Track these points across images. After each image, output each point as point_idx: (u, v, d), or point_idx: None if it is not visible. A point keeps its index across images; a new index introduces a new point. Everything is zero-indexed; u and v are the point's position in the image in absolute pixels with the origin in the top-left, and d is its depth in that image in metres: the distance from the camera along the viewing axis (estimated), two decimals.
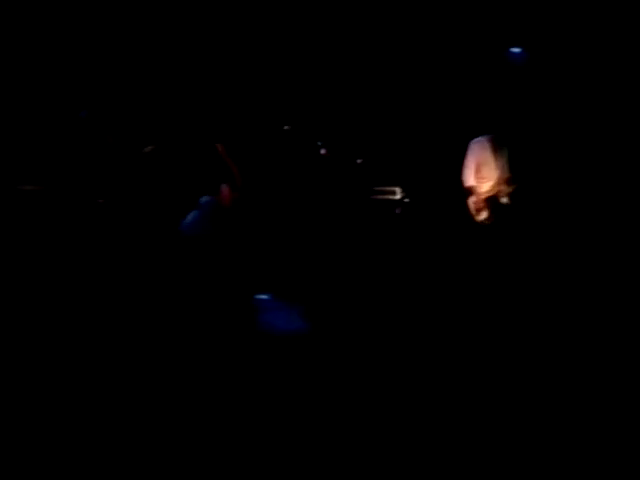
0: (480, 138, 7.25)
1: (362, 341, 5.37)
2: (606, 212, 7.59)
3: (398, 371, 4.84)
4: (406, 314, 6.05)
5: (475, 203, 7.11)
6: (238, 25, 8.67)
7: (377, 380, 4.65)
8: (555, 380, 4.79)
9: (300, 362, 4.90)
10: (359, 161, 8.51)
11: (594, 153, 8.00)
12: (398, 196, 8.45)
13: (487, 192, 7.11)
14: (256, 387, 4.47)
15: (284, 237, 7.91)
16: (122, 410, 4.13)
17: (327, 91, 9.02)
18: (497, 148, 7.21)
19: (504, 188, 7.13)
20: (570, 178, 7.92)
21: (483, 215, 7.10)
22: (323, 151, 8.50)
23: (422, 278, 6.95)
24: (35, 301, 6.06)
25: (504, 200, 7.12)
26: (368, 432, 3.95)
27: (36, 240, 7.20)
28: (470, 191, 7.15)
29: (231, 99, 8.75)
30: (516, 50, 8.81)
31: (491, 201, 7.08)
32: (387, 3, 8.79)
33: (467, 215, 7.16)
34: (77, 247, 7.16)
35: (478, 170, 7.13)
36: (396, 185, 8.51)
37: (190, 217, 7.27)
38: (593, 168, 7.93)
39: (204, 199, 7.31)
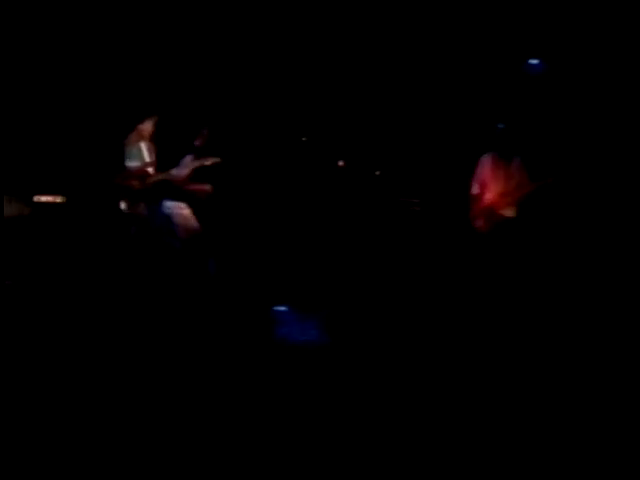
0: (488, 154, 7.40)
1: (377, 352, 5.37)
2: (616, 231, 7.75)
3: (411, 380, 4.85)
4: (420, 323, 6.10)
5: (475, 211, 7.27)
6: (260, 37, 8.65)
7: (392, 391, 4.64)
8: (554, 381, 4.85)
9: (317, 373, 4.89)
10: (377, 173, 8.57)
11: (608, 170, 8.07)
12: (416, 207, 8.55)
13: (488, 202, 7.21)
14: (271, 397, 4.46)
15: (301, 248, 7.97)
16: (134, 424, 4.09)
17: (345, 104, 9.00)
18: (506, 161, 7.31)
19: (507, 200, 7.21)
20: (582, 194, 8.05)
21: (479, 223, 7.22)
22: (341, 162, 8.56)
23: (430, 287, 7.17)
24: (52, 310, 6.13)
25: (507, 213, 7.22)
26: (381, 443, 3.95)
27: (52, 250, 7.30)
28: (472, 199, 7.31)
29: (248, 109, 8.76)
30: (534, 62, 8.84)
31: (489, 211, 7.17)
32: (403, 15, 8.74)
33: (466, 222, 7.35)
34: (93, 257, 7.26)
35: (483, 183, 7.27)
36: (416, 196, 8.58)
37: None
38: (606, 185, 8.06)
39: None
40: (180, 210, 7.49)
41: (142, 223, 7.27)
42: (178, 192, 7.34)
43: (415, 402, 4.43)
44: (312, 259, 7.86)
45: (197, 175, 7.37)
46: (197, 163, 7.41)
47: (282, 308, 6.33)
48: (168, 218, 7.42)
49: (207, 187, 7.48)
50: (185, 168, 7.41)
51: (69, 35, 8.30)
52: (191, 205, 7.45)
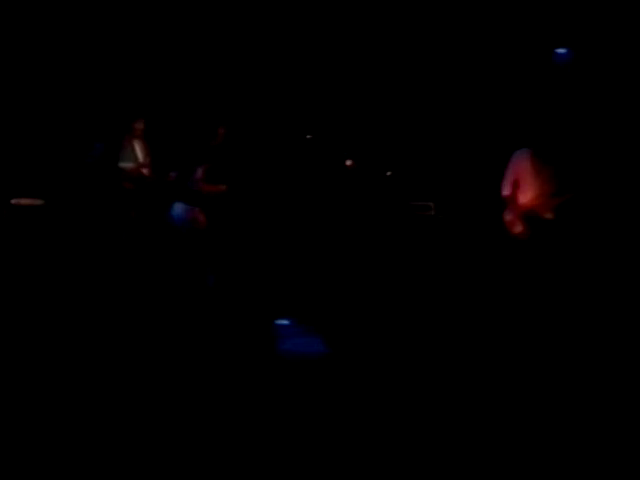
0: (523, 149, 6.82)
1: (383, 367, 5.24)
2: None
3: (418, 396, 4.73)
4: (434, 339, 5.89)
5: (510, 215, 6.72)
6: (270, 36, 8.49)
7: (396, 406, 4.56)
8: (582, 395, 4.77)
9: (319, 388, 4.80)
10: (389, 173, 8.19)
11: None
12: (432, 212, 8.13)
13: (525, 205, 6.67)
14: (273, 413, 4.43)
15: (304, 256, 7.76)
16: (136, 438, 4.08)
17: (353, 97, 8.73)
18: (541, 160, 6.74)
19: (546, 202, 6.65)
20: (622, 192, 7.68)
21: (519, 229, 6.64)
22: (349, 162, 8.21)
23: (453, 297, 6.90)
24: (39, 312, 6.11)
25: (547, 216, 6.63)
26: (385, 457, 3.97)
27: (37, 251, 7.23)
28: (506, 202, 6.75)
29: (251, 105, 8.53)
30: (562, 51, 8.42)
31: (528, 215, 6.62)
32: (421, 8, 8.44)
33: (501, 228, 6.79)
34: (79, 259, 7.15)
35: (517, 182, 6.72)
36: (430, 199, 8.17)
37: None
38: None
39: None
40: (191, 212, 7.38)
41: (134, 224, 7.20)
42: (192, 193, 7.25)
43: (420, 416, 4.42)
44: (316, 268, 7.64)
45: (211, 176, 7.27)
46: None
47: (284, 322, 6.22)
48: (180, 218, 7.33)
49: (222, 187, 7.38)
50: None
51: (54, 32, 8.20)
52: (204, 207, 7.35)
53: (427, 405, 4.51)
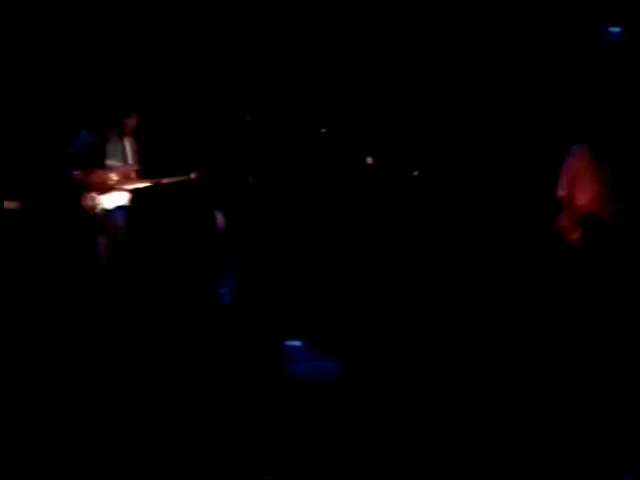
0: (582, 143, 6.60)
1: (402, 395, 5.20)
2: None
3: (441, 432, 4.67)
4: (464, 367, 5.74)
5: (566, 219, 6.54)
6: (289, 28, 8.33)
7: (414, 439, 4.56)
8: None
9: (332, 416, 4.80)
10: (416, 173, 7.58)
11: None
12: (466, 216, 7.70)
13: (584, 208, 6.47)
14: (283, 441, 4.50)
15: (320, 267, 7.51)
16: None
17: (375, 84, 8.32)
18: (601, 156, 6.48)
19: (607, 206, 6.42)
20: None
21: (575, 235, 6.46)
22: (370, 160, 7.57)
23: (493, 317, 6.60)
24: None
25: (608, 221, 6.42)
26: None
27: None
28: (561, 204, 6.59)
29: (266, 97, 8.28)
30: (615, 30, 7.94)
31: (588, 220, 6.41)
32: None
33: (555, 233, 6.63)
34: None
35: (574, 181, 6.52)
36: (464, 202, 7.74)
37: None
38: None
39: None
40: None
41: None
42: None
43: (442, 456, 4.39)
44: (332, 280, 7.35)
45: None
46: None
47: (295, 343, 6.17)
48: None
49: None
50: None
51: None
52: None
53: (451, 445, 4.43)
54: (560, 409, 4.81)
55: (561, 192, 6.53)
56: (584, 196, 6.48)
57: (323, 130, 7.69)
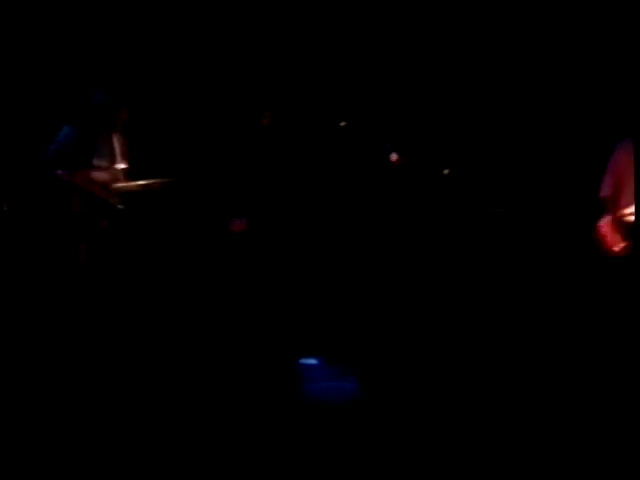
0: (628, 139, 6.25)
1: (425, 416, 5.19)
2: None
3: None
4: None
5: (608, 225, 6.21)
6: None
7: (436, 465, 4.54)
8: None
9: (351, 438, 4.82)
10: (446, 172, 7.22)
11: None
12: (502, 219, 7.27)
13: (630, 213, 6.14)
14: (298, 465, 4.51)
15: (339, 277, 7.33)
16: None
17: (400, 74, 8.04)
18: None
19: None
20: None
21: (619, 244, 6.13)
22: (394, 157, 7.19)
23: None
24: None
25: None
26: None
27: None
28: (604, 207, 6.29)
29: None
30: None
31: (631, 224, 6.03)
32: None
33: (594, 241, 6.26)
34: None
35: (620, 180, 6.23)
36: (499, 204, 7.32)
37: None
38: None
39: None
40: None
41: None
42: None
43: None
44: (352, 291, 7.17)
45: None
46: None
47: (311, 361, 6.27)
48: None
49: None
50: None
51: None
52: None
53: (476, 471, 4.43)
54: (575, 413, 4.87)
55: (604, 192, 6.27)
56: (627, 198, 6.14)
57: (342, 123, 7.34)
